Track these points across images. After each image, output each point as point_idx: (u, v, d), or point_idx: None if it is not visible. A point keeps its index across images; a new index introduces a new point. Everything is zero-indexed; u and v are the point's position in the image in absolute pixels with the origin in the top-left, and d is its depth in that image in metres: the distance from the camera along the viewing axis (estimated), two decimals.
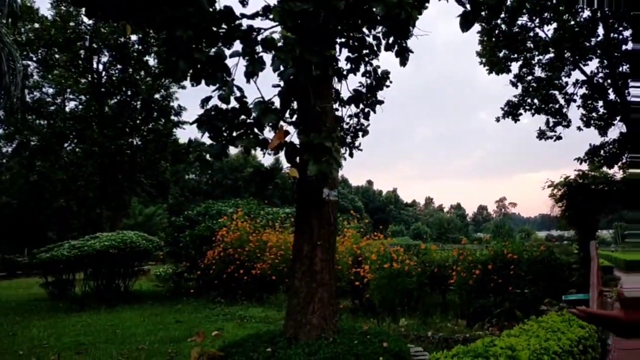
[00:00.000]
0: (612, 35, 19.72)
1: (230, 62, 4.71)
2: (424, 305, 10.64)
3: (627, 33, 19.56)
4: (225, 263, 12.83)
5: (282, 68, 4.70)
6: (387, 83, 6.76)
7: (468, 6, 5.13)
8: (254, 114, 4.83)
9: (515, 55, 21.17)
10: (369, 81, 6.66)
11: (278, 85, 5.20)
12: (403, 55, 5.79)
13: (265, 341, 5.37)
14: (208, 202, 18.01)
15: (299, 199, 5.78)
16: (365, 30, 6.23)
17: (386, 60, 6.87)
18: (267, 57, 4.79)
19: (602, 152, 20.81)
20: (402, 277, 10.00)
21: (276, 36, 4.98)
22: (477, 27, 20.98)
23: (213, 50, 4.65)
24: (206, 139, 5.00)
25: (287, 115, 5.73)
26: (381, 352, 5.02)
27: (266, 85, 5.07)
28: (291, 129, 5.52)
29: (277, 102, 5.09)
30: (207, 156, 6.13)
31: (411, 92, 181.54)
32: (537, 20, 20.77)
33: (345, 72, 6.53)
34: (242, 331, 8.25)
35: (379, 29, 6.18)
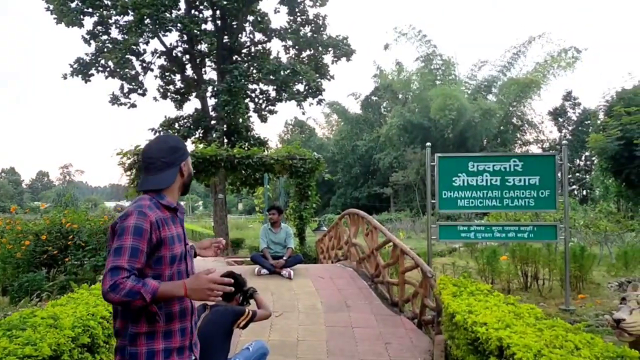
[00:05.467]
0: (192, 11, 20.39)
1: None
2: None
3: (207, 13, 20.88)
4: None
5: None
6: None
7: None
8: None
9: (90, 10, 19.55)
10: None
11: None
12: None
13: None
14: None
15: None
16: None
17: None
18: None
19: (177, 125, 21.27)
20: None
21: None
22: None
23: None
24: None
25: None
26: None
27: None
28: None
29: None
30: None
31: None
32: None
33: None
34: None
35: None
